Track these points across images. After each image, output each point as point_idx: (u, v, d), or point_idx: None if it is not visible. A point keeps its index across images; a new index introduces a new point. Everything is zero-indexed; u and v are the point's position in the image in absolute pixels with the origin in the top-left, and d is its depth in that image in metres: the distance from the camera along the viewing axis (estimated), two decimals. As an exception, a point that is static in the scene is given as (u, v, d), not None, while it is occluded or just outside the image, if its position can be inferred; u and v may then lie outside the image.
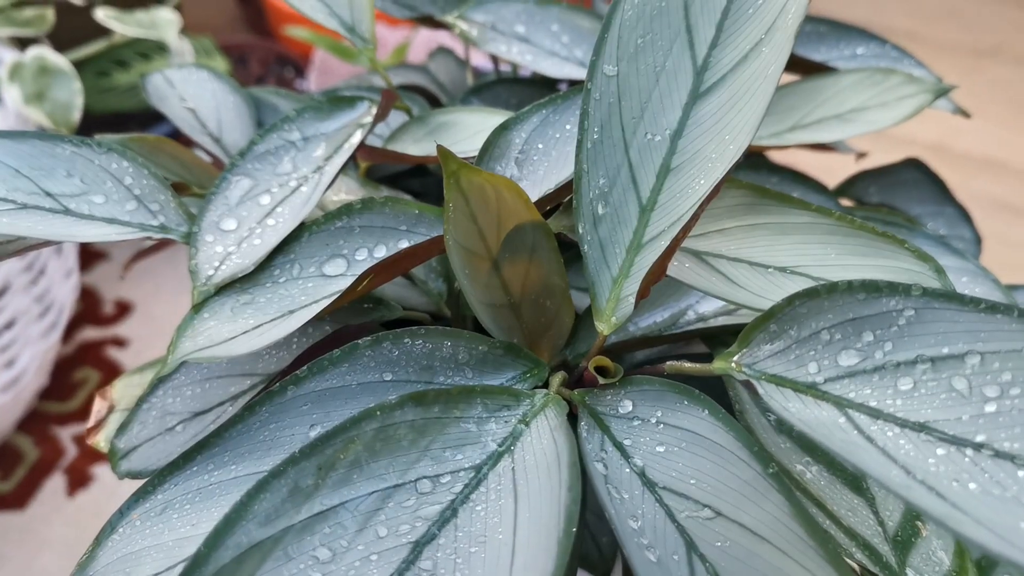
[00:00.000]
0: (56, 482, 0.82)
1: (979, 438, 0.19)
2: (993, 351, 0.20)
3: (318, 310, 0.27)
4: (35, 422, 0.86)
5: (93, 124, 0.86)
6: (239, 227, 0.31)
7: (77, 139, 0.30)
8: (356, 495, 0.22)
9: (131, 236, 0.30)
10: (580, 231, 0.27)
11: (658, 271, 0.25)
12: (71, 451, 0.84)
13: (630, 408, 0.25)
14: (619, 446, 0.24)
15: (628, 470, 0.24)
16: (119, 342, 0.93)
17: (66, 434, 0.85)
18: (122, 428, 0.33)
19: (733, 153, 0.25)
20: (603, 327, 0.27)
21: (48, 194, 0.30)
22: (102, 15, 0.64)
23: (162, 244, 0.33)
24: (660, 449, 0.24)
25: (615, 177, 0.27)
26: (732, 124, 0.26)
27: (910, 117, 0.39)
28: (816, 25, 0.45)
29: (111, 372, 0.91)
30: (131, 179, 0.31)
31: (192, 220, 0.31)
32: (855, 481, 0.27)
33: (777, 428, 0.28)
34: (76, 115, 0.70)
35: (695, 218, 0.25)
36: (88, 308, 0.96)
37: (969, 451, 0.19)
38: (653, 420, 0.25)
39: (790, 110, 0.41)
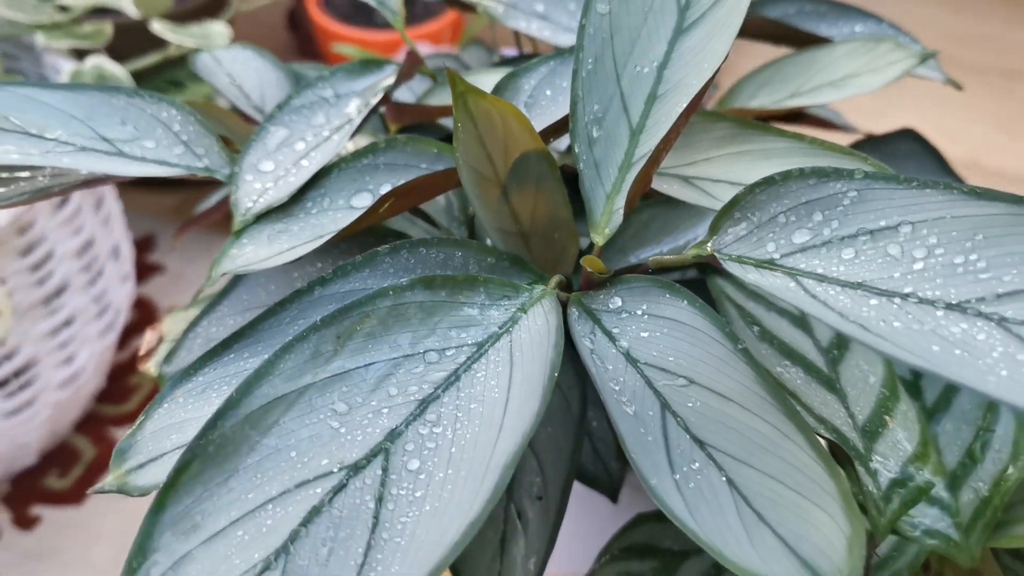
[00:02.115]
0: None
1: (907, 289, 0.22)
2: (922, 220, 0.23)
3: (344, 226, 0.30)
4: (92, 423, 0.90)
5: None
6: (276, 168, 0.34)
7: (131, 90, 0.34)
8: (371, 361, 0.25)
9: (178, 174, 0.34)
10: (576, 151, 0.30)
11: (643, 181, 0.28)
12: (125, 449, 0.88)
13: (619, 303, 0.28)
14: (607, 332, 0.27)
15: (614, 351, 0.27)
16: (171, 349, 0.97)
17: (122, 435, 0.89)
18: (170, 355, 0.36)
19: (708, 75, 0.28)
20: (598, 238, 0.30)
21: (104, 139, 0.34)
22: (158, 27, 0.69)
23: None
24: (644, 335, 0.27)
25: (608, 104, 0.30)
26: (709, 54, 0.29)
27: (897, 79, 0.42)
28: (817, 5, 0.48)
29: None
30: (179, 126, 0.35)
31: (234, 163, 0.35)
32: (829, 381, 0.30)
33: (760, 337, 0.31)
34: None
35: (676, 132, 0.28)
36: (143, 317, 1.00)
37: (897, 300, 0.22)
38: (639, 312, 0.28)
39: (790, 79, 0.44)
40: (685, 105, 0.29)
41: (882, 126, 1.34)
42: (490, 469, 0.22)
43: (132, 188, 1.07)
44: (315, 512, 0.22)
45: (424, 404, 0.25)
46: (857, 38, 0.43)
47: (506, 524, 0.31)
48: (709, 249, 0.26)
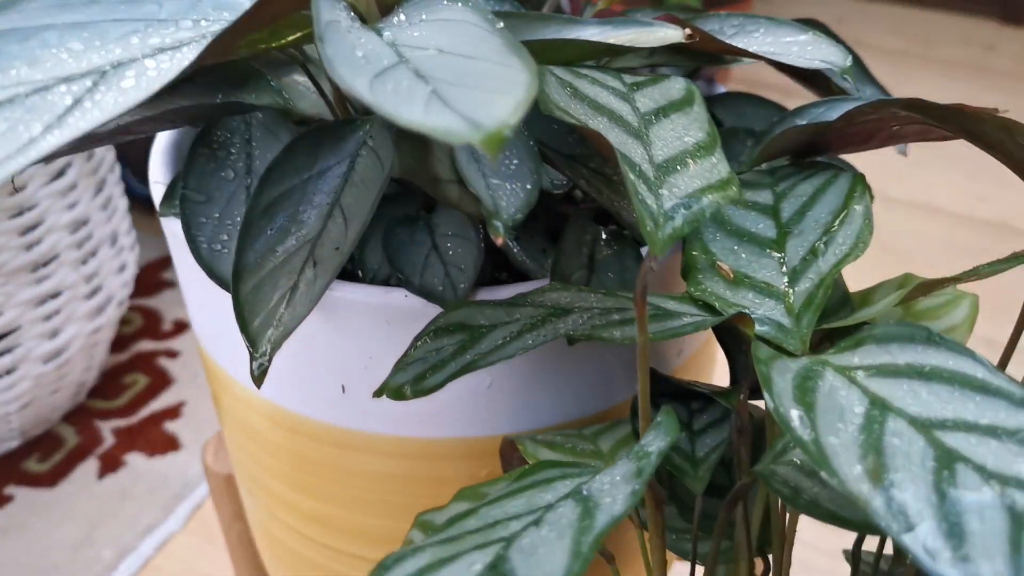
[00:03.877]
0: (89, 466, 0.86)
1: None
2: None
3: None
4: (80, 415, 0.91)
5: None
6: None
7: None
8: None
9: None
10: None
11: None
12: (109, 440, 0.88)
13: (402, 18, 0.28)
14: (378, 33, 0.27)
15: (379, 43, 0.26)
16: (171, 353, 0.99)
17: (107, 426, 0.90)
18: None
19: None
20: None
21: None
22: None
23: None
24: (414, 33, 0.26)
25: None
26: None
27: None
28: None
29: (159, 378, 0.96)
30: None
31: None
32: (637, 133, 0.28)
33: (572, 95, 0.30)
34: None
35: None
36: (148, 326, 1.02)
37: None
38: (417, 20, 0.27)
39: None
40: None
41: (907, 188, 1.31)
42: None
43: (146, 210, 1.11)
44: None
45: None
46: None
47: (300, 275, 0.30)
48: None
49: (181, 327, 1.03)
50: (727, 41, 0.34)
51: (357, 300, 0.36)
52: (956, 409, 0.22)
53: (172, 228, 0.39)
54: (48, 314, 0.80)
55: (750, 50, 0.34)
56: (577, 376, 0.38)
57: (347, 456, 0.41)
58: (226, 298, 0.38)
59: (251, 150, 0.36)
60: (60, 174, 0.79)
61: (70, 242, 0.80)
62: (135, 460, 0.87)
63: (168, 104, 0.34)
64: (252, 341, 0.28)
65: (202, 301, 0.41)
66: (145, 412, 0.92)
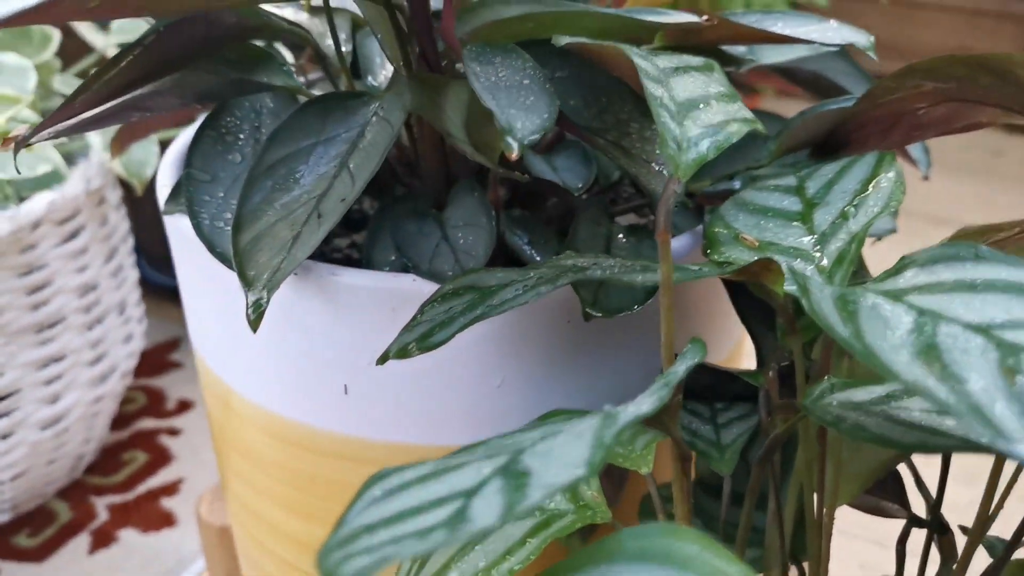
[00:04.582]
0: (80, 541, 0.82)
1: None
2: None
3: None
4: (75, 491, 0.88)
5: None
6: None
7: None
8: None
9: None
10: None
11: None
12: (102, 515, 0.85)
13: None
14: None
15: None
16: (173, 431, 0.96)
17: (102, 502, 0.87)
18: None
19: None
20: None
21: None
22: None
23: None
24: None
25: None
26: None
27: None
28: None
29: (159, 455, 0.93)
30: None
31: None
32: (657, 77, 0.27)
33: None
34: (150, 172, 0.80)
35: None
36: (152, 404, 1.00)
37: None
38: None
39: None
40: None
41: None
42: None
43: (159, 297, 1.11)
44: None
45: None
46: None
47: (305, 224, 0.28)
48: None
49: (185, 406, 1.01)
50: (749, 24, 0.34)
51: (361, 286, 0.34)
52: (1013, 311, 0.20)
53: (175, 224, 0.38)
54: (50, 378, 0.78)
55: (774, 31, 0.33)
56: (592, 376, 0.36)
57: (348, 469, 0.38)
58: (226, 302, 0.37)
59: (260, 136, 0.36)
60: (73, 236, 0.78)
61: (78, 306, 0.79)
62: (128, 535, 0.83)
63: (179, 81, 0.33)
64: (249, 283, 0.27)
65: (201, 306, 0.40)
66: (142, 488, 0.89)
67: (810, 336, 0.29)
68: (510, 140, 0.24)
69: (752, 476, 0.27)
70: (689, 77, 0.28)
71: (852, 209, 0.29)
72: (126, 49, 0.32)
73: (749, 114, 0.26)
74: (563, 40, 0.26)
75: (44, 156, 0.77)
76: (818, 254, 0.28)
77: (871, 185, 0.30)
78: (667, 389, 0.19)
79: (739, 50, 0.39)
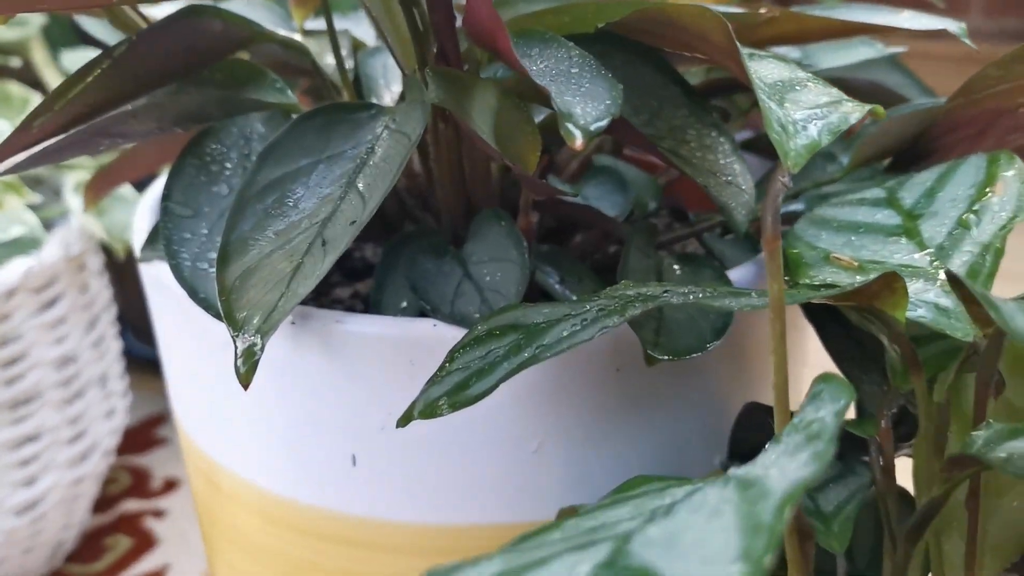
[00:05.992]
0: (56, 637, 0.75)
1: None
2: None
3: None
4: (53, 582, 0.81)
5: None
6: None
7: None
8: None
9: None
10: None
11: None
12: (81, 608, 0.78)
13: None
14: None
15: None
16: (158, 513, 0.90)
17: (82, 595, 0.80)
18: None
19: None
20: None
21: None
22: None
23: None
24: None
25: None
26: None
27: None
28: None
29: (143, 540, 0.86)
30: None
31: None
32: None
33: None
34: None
35: None
36: (136, 484, 0.94)
37: None
38: None
39: None
40: None
41: None
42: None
43: (144, 370, 1.05)
44: None
45: None
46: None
47: (306, 254, 0.23)
48: None
49: (171, 485, 0.94)
50: (823, 15, 0.29)
51: (372, 334, 0.28)
52: None
53: (152, 273, 0.33)
54: (25, 459, 0.72)
55: (856, 20, 0.28)
56: (643, 434, 0.31)
57: (357, 557, 0.32)
58: (211, 359, 0.31)
59: (249, 165, 0.30)
60: (50, 305, 0.73)
61: (55, 380, 0.73)
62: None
63: (157, 100, 0.28)
64: (239, 326, 0.21)
65: (183, 367, 0.34)
66: (126, 577, 0.82)
67: (931, 373, 0.23)
68: (571, 127, 0.19)
69: (899, 553, 0.21)
70: (767, 61, 0.23)
71: (972, 217, 0.24)
72: (92, 62, 0.27)
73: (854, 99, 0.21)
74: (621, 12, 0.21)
75: (17, 217, 0.71)
76: (939, 273, 0.23)
77: (988, 188, 0.25)
78: (822, 442, 0.14)
79: (793, 55, 0.35)
